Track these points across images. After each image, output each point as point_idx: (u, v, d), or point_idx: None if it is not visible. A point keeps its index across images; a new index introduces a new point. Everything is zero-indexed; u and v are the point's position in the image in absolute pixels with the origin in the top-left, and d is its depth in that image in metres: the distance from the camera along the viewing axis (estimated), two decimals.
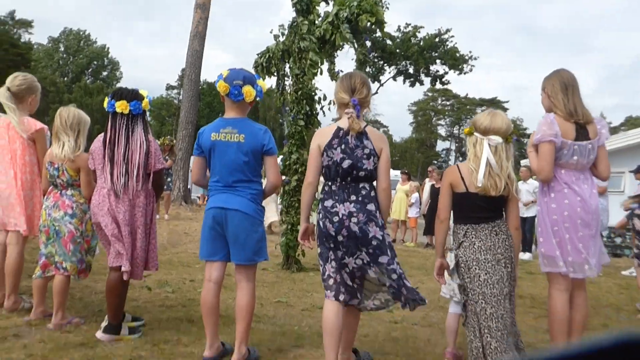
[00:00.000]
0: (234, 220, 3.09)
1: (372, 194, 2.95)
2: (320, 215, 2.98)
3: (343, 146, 2.93)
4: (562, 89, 3.27)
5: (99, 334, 3.38)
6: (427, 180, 12.48)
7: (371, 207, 2.90)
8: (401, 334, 3.99)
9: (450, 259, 3.18)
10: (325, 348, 2.95)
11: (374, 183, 3.00)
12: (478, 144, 2.95)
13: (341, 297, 2.96)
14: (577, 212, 3.20)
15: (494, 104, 47.79)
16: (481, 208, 2.93)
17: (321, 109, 6.69)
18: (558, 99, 3.27)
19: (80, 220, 3.74)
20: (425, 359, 3.44)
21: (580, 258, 3.20)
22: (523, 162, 15.51)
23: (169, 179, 12.31)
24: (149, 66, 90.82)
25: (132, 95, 3.49)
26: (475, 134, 2.99)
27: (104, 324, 3.50)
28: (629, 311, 5.23)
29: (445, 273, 3.16)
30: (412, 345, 3.71)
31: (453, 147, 56.86)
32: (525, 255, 9.24)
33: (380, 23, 5.89)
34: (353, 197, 2.90)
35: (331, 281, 2.98)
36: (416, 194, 11.84)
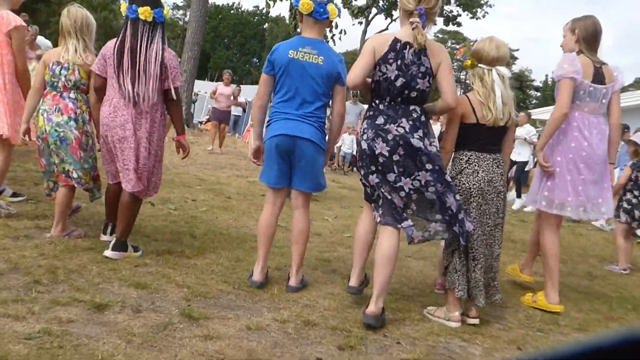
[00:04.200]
0: (304, 149, 3.05)
1: (423, 118, 2.78)
2: (368, 134, 2.78)
3: (399, 62, 2.72)
4: (594, 33, 3.32)
5: (108, 252, 3.29)
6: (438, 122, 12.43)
7: (420, 133, 2.73)
8: (397, 263, 4.14)
9: None
10: (354, 258, 3.08)
11: (422, 105, 2.83)
12: (487, 75, 2.93)
13: (377, 219, 2.88)
14: (581, 155, 3.26)
15: None
16: (487, 139, 2.97)
17: (332, 37, 6.58)
18: (591, 39, 3.32)
19: (82, 129, 3.55)
20: (416, 287, 3.60)
21: (578, 201, 3.30)
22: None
23: None
24: None
25: (154, 2, 3.30)
26: (481, 65, 2.96)
27: (105, 237, 3.55)
28: (611, 262, 5.39)
29: None
30: (405, 274, 3.87)
31: (460, 92, 56.04)
32: (516, 204, 9.36)
33: None
34: (403, 120, 2.74)
35: (379, 202, 2.85)
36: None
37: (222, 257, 3.66)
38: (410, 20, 2.72)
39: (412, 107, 2.78)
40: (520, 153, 9.58)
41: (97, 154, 3.73)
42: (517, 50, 48.40)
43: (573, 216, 3.40)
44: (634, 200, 5.24)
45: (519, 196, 9.65)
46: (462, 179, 2.96)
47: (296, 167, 3.13)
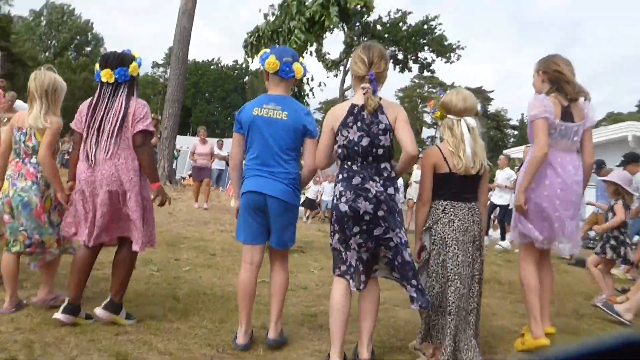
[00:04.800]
0: (273, 207, 3.06)
1: (392, 174, 2.87)
2: (347, 196, 2.80)
3: (359, 123, 2.82)
4: (557, 71, 3.37)
5: (98, 310, 3.19)
6: (415, 166, 12.59)
7: (391, 190, 2.83)
8: (383, 314, 4.08)
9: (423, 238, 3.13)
10: (332, 333, 2.92)
11: (392, 162, 2.91)
12: (456, 126, 2.99)
13: (361, 287, 2.88)
14: (556, 192, 3.30)
15: (480, 93, 47.95)
16: (461, 188, 3.00)
17: (311, 90, 6.71)
18: (558, 77, 3.36)
19: (42, 193, 3.45)
20: (405, 338, 3.53)
21: (553, 235, 3.36)
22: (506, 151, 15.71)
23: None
24: (134, 43, 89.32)
25: (118, 62, 3.30)
26: (450, 116, 3.03)
27: (59, 316, 3.16)
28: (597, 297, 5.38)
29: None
30: (392, 325, 3.82)
31: (438, 135, 57.15)
32: (504, 243, 9.40)
33: (368, 7, 5.92)
34: (376, 178, 2.81)
35: (351, 269, 2.87)
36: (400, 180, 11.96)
37: (206, 319, 3.58)
38: (362, 86, 2.84)
39: (382, 165, 2.85)
40: (502, 196, 9.70)
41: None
42: (492, 91, 49.83)
43: (545, 246, 3.43)
44: (621, 238, 5.29)
45: (503, 238, 9.71)
46: (437, 229, 2.98)
47: (270, 225, 3.14)
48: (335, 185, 2.93)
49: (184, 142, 21.19)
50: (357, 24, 25.48)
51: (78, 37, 55.20)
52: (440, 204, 3.02)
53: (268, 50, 3.23)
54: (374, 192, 2.77)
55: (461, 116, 3.00)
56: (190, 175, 15.66)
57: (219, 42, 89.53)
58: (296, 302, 4.26)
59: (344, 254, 2.89)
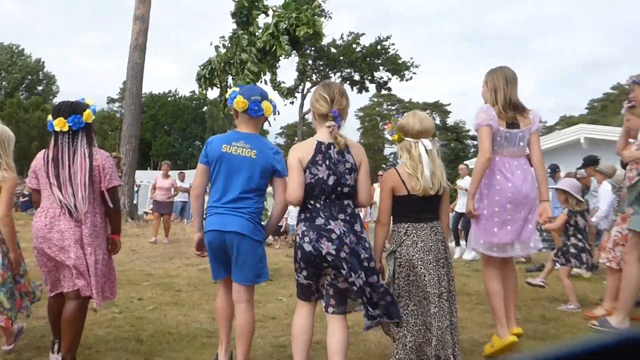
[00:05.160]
0: (233, 242, 3.02)
1: (356, 211, 2.90)
2: (310, 236, 2.78)
3: (327, 162, 2.82)
4: (504, 83, 3.52)
5: None
6: (375, 185, 12.72)
7: (357, 227, 2.84)
8: (353, 338, 4.05)
9: (388, 262, 3.17)
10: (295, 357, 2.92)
11: (354, 199, 2.92)
12: (413, 148, 3.05)
13: (329, 310, 2.87)
14: (507, 197, 3.42)
15: (437, 107, 49.09)
16: (422, 209, 3.04)
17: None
18: (500, 91, 3.50)
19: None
20: None
21: (507, 239, 3.45)
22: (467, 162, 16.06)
23: None
24: (88, 79, 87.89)
25: (70, 110, 3.22)
26: (407, 139, 3.09)
27: (54, 357, 3.23)
28: (564, 301, 5.50)
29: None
30: (362, 349, 3.80)
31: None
32: (470, 255, 9.53)
33: (318, 34, 6.02)
34: (341, 216, 2.82)
35: (322, 293, 2.88)
36: None
37: (170, 358, 3.48)
38: (327, 124, 2.85)
39: (345, 202, 2.86)
40: (463, 204, 9.87)
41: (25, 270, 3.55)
42: (449, 104, 50.95)
43: (501, 255, 3.53)
44: (580, 244, 5.42)
45: (457, 244, 9.90)
46: (402, 251, 3.00)
47: (233, 261, 3.09)
48: (298, 223, 2.91)
49: (145, 177, 20.90)
50: (311, 49, 25.89)
51: (29, 77, 54.07)
52: (402, 226, 3.05)
53: (237, 89, 3.23)
54: (338, 232, 2.76)
55: (418, 138, 3.06)
56: (152, 210, 15.37)
57: (174, 74, 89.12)
58: (264, 334, 4.19)
59: (313, 285, 2.88)
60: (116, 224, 3.41)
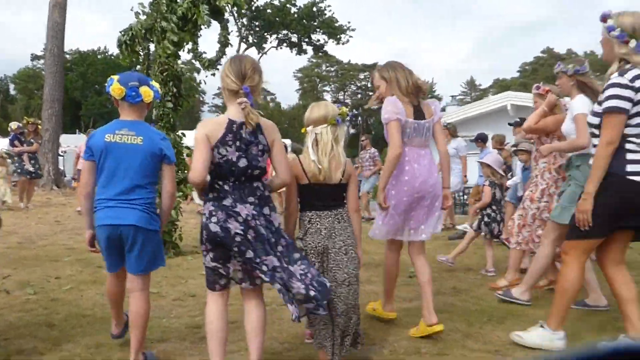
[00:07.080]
0: (129, 235, 2.95)
1: (266, 193, 2.86)
2: (218, 216, 2.70)
3: (238, 142, 2.72)
4: (397, 69, 3.70)
5: None
6: None
7: (266, 210, 2.81)
8: (268, 316, 4.14)
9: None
10: (211, 354, 2.83)
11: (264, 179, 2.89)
12: (315, 137, 3.06)
13: (243, 284, 2.85)
14: (415, 187, 3.59)
15: (374, 68, 49.33)
16: (325, 196, 3.07)
17: (149, 105, 6.58)
18: (400, 81, 3.64)
19: None
20: (286, 341, 3.62)
21: (416, 226, 3.68)
22: None
23: (36, 165, 11.45)
24: (9, 35, 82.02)
25: None
26: (308, 128, 3.10)
27: None
28: (477, 271, 5.82)
29: None
30: (276, 328, 3.88)
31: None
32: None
33: (239, 5, 5.85)
34: (250, 199, 2.76)
35: (223, 281, 2.84)
36: None
37: (81, 345, 3.44)
38: (238, 101, 2.72)
39: (255, 184, 2.81)
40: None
41: None
42: None
43: (404, 239, 3.81)
44: (493, 215, 5.74)
45: None
46: (307, 239, 3.05)
47: (127, 252, 3.04)
48: (205, 203, 2.81)
49: (73, 141, 19.94)
50: (247, 9, 25.18)
51: None
52: (307, 215, 3.09)
53: (116, 77, 3.10)
54: (244, 215, 2.72)
55: (316, 126, 3.08)
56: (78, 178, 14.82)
57: (104, 31, 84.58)
58: (182, 313, 4.20)
59: (222, 269, 2.80)
60: None
